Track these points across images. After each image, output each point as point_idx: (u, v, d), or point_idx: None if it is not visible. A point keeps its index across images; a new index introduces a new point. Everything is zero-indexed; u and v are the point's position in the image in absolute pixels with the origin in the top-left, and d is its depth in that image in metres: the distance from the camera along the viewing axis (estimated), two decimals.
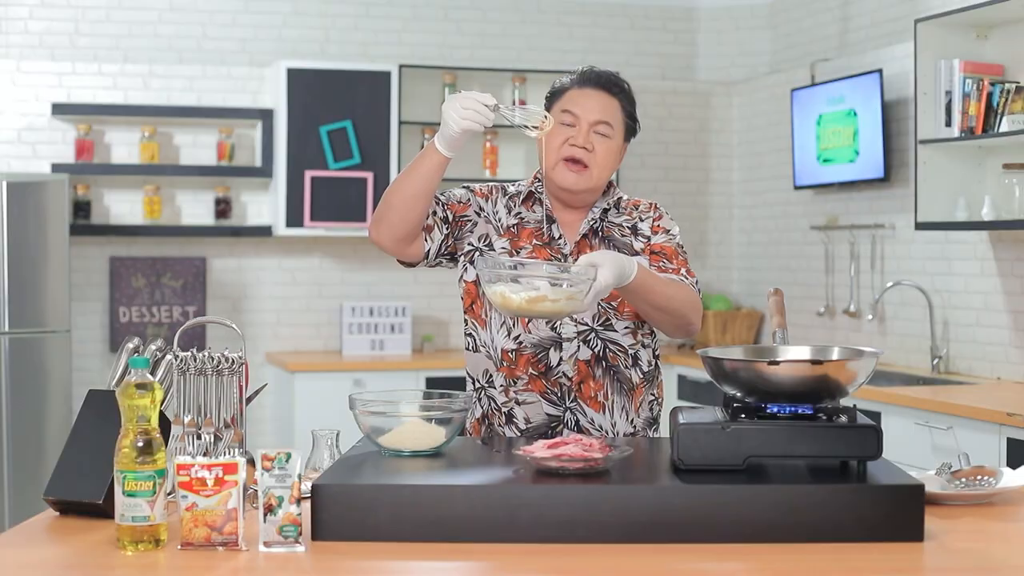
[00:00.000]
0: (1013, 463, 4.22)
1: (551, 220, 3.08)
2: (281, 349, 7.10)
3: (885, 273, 6.24)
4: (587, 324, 3.01)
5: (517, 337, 3.01)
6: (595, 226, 3.09)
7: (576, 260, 2.97)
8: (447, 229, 3.04)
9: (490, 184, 3.17)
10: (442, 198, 3.06)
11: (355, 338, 7.00)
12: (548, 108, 3.08)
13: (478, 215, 3.09)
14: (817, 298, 6.80)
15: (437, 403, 2.70)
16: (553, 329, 2.99)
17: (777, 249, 7.23)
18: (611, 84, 3.07)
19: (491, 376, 3.05)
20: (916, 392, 5.12)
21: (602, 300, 2.97)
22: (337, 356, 6.99)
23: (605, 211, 3.10)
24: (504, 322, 3.02)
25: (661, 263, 3.05)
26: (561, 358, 3.00)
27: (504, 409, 3.02)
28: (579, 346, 3.00)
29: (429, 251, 3.03)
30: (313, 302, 7.17)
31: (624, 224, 3.11)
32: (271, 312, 7.12)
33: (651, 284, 2.84)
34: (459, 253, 3.08)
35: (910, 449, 4.93)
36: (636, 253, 3.06)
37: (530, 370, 3.00)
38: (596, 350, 3.01)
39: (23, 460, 6.06)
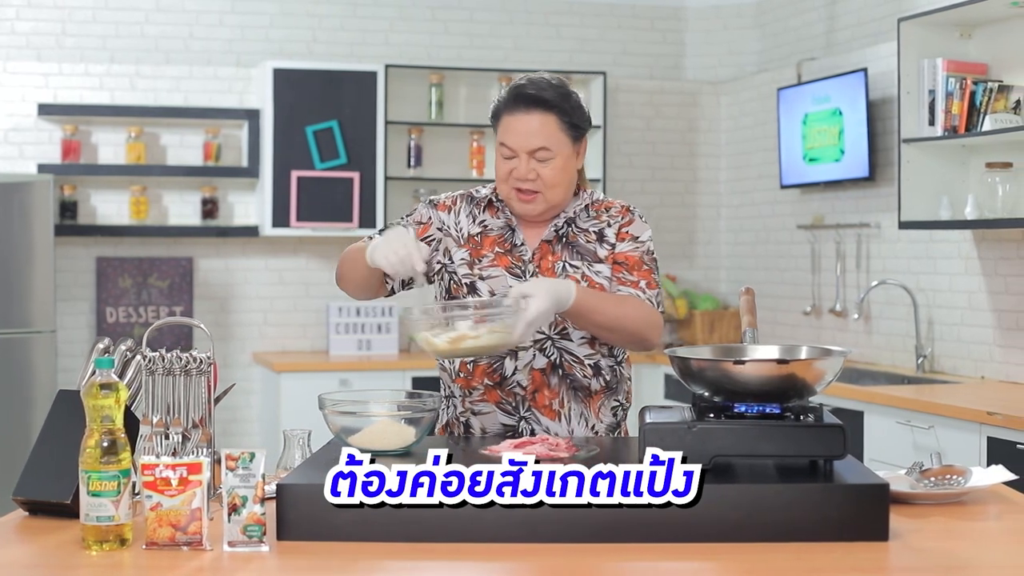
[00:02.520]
0: (993, 462, 4.22)
1: (514, 227, 3.05)
2: (268, 349, 7.10)
3: (871, 272, 6.25)
4: (544, 333, 2.97)
5: None
6: (560, 232, 3.04)
7: (537, 266, 2.97)
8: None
9: (457, 193, 3.13)
10: (402, 222, 3.08)
11: (342, 338, 7.00)
12: (495, 129, 3.03)
13: (440, 231, 3.07)
14: (803, 297, 6.81)
15: (406, 403, 2.70)
16: None
17: (764, 248, 7.23)
18: (541, 101, 2.95)
19: (451, 387, 3.05)
20: (899, 391, 5.12)
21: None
22: (324, 356, 6.99)
23: (572, 218, 3.06)
24: None
25: (621, 274, 3.00)
26: (516, 367, 2.97)
27: (461, 419, 3.02)
28: (535, 355, 2.97)
29: (393, 288, 3.06)
30: (300, 302, 7.18)
31: (591, 230, 3.06)
32: (258, 312, 7.12)
33: (594, 306, 2.85)
34: (431, 273, 3.06)
35: (892, 448, 4.93)
36: (600, 260, 3.01)
37: (485, 380, 2.97)
38: (552, 358, 2.98)
39: (8, 460, 6.05)
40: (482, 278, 3.00)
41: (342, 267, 3.06)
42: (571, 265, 3.01)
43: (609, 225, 3.06)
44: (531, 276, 2.98)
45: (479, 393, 2.98)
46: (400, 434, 2.60)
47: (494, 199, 3.08)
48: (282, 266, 7.15)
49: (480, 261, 3.02)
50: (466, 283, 3.01)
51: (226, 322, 7.05)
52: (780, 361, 2.46)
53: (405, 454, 2.61)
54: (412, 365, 6.72)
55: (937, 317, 5.77)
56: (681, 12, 7.72)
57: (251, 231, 6.98)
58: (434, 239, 3.05)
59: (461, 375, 3.01)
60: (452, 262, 3.04)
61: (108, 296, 6.86)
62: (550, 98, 2.95)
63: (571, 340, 2.99)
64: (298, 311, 7.17)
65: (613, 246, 3.04)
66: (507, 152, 2.96)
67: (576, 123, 2.98)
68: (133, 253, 6.94)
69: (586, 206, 3.09)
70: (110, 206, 6.90)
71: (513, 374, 2.97)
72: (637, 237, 3.06)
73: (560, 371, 2.98)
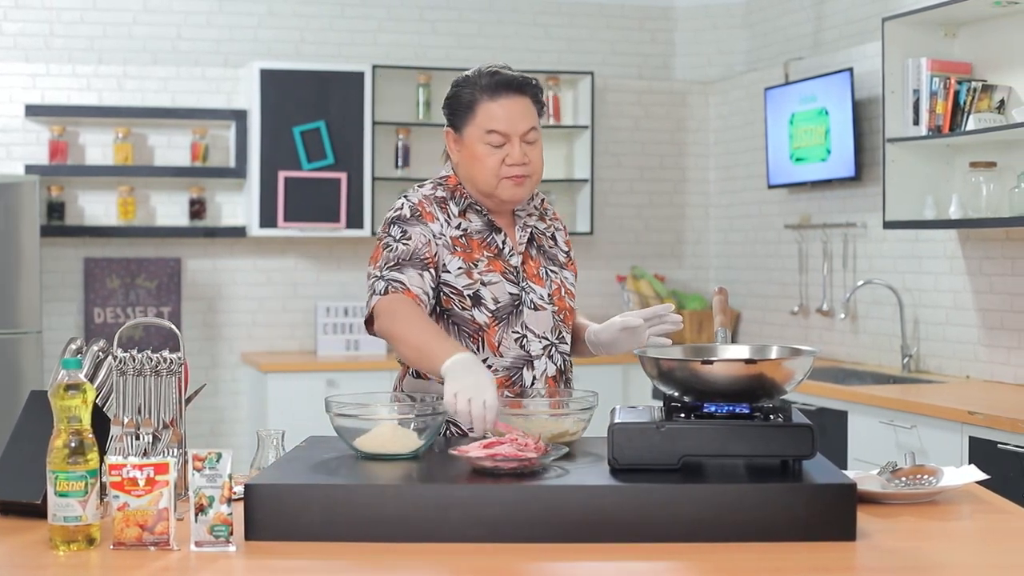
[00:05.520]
0: (975, 462, 4.23)
1: (496, 229, 3.01)
2: (256, 349, 7.09)
3: (857, 272, 6.25)
4: (548, 338, 2.98)
5: (485, 361, 2.89)
6: (529, 236, 3.05)
7: (524, 272, 2.98)
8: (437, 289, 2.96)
9: (419, 196, 2.98)
10: (423, 252, 2.91)
11: (330, 338, 7.00)
12: (457, 123, 2.96)
13: (436, 245, 2.94)
14: (791, 297, 6.81)
15: (416, 406, 2.67)
16: (522, 347, 2.94)
17: (752, 248, 7.23)
18: (522, 84, 2.95)
19: None
20: (883, 391, 5.12)
21: (555, 313, 2.99)
22: (312, 356, 6.98)
23: (529, 218, 3.07)
24: (467, 347, 2.90)
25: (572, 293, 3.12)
26: (535, 377, 2.95)
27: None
28: (546, 362, 2.97)
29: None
30: (288, 302, 7.17)
31: (546, 233, 3.10)
32: (246, 312, 7.12)
33: None
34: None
35: (875, 448, 4.94)
36: (563, 265, 3.08)
37: (505, 392, 2.87)
38: (558, 364, 2.99)
39: None
40: (484, 284, 2.94)
41: (401, 352, 2.88)
42: (551, 271, 3.04)
43: (557, 230, 3.14)
44: (523, 282, 2.97)
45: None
46: (408, 437, 2.55)
47: (471, 201, 2.99)
48: (270, 266, 7.15)
49: (476, 266, 2.94)
50: (468, 294, 2.92)
51: (214, 322, 7.06)
52: (748, 361, 2.46)
53: (414, 458, 2.56)
54: (399, 366, 6.70)
55: (922, 317, 5.77)
56: (670, 12, 7.72)
57: (239, 232, 6.98)
58: (436, 254, 2.94)
59: None
60: (448, 272, 2.93)
61: (96, 297, 6.86)
62: (527, 82, 2.97)
63: (566, 343, 3.02)
64: (286, 311, 7.17)
65: (568, 255, 3.12)
66: (498, 139, 2.91)
67: (543, 103, 3.01)
68: (121, 254, 6.94)
69: (539, 203, 3.13)
70: (98, 207, 6.90)
71: (532, 383, 2.94)
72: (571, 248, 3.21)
73: (564, 375, 3.00)
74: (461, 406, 2.57)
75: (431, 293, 2.89)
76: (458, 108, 2.96)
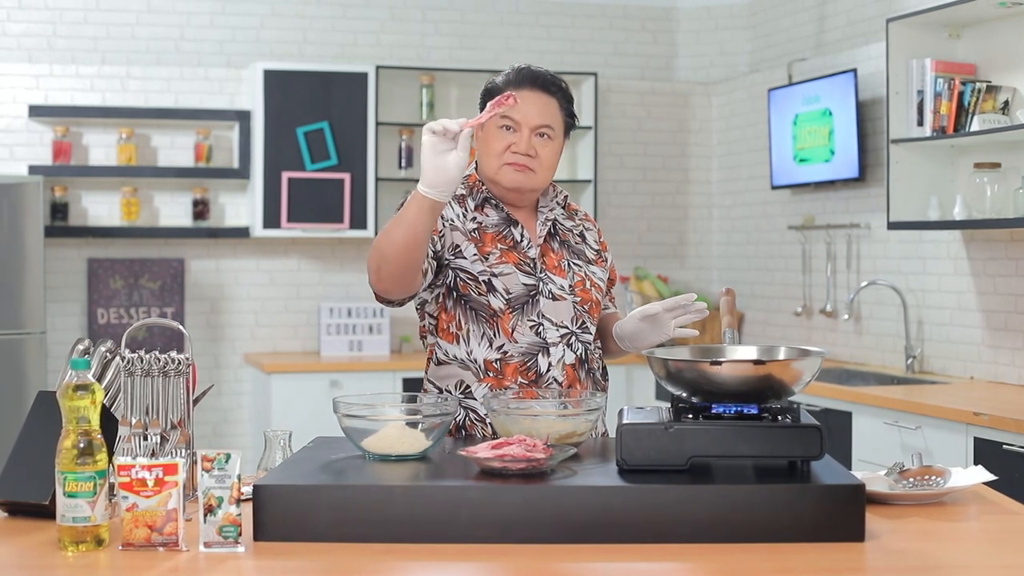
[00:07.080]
0: (980, 463, 4.23)
1: (513, 223, 3.05)
2: (259, 350, 7.10)
3: (861, 273, 6.25)
4: (567, 327, 2.99)
5: (501, 347, 2.94)
6: (550, 229, 3.09)
7: (542, 263, 3.03)
8: (435, 258, 2.95)
9: None
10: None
11: (333, 339, 7.01)
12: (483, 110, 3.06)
13: (444, 225, 2.98)
14: (794, 298, 6.81)
15: (425, 406, 2.66)
16: (538, 334, 2.96)
17: (755, 249, 7.23)
18: (548, 83, 3.03)
19: (468, 387, 2.96)
20: (887, 392, 5.12)
21: (576, 304, 3.01)
22: (315, 357, 6.99)
23: (554, 215, 3.11)
24: (484, 333, 2.94)
25: (610, 292, 3.19)
26: (550, 363, 2.96)
27: (490, 420, 2.88)
28: (564, 350, 2.98)
29: (420, 286, 2.91)
30: (291, 303, 7.18)
31: (573, 231, 3.15)
32: (249, 313, 7.12)
33: None
34: (439, 278, 2.99)
35: (880, 449, 4.94)
36: (590, 261, 3.11)
37: (519, 379, 2.93)
38: (578, 353, 3.00)
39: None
40: (495, 275, 2.97)
41: (381, 247, 2.75)
42: (575, 264, 3.08)
43: (587, 229, 3.17)
44: (540, 273, 3.00)
45: (512, 393, 2.90)
46: (416, 438, 2.54)
47: (488, 195, 3.05)
48: (273, 267, 7.15)
49: (487, 258, 2.98)
50: (483, 280, 2.96)
51: (217, 323, 7.06)
52: (757, 362, 2.46)
53: (422, 458, 2.55)
54: (403, 366, 6.71)
55: (926, 317, 5.77)
56: (672, 13, 7.72)
57: (242, 232, 6.98)
58: (441, 235, 2.97)
59: (490, 374, 2.94)
60: (464, 258, 2.97)
61: (100, 297, 6.86)
62: (556, 83, 3.05)
63: (589, 333, 3.04)
64: (289, 312, 7.18)
65: (599, 254, 3.15)
66: (510, 123, 2.98)
67: (572, 113, 3.08)
68: (124, 254, 6.94)
69: (563, 200, 3.16)
70: (101, 207, 6.90)
71: (548, 370, 2.96)
72: (607, 250, 3.23)
73: (586, 365, 3.01)
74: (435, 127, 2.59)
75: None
76: (486, 97, 3.06)
